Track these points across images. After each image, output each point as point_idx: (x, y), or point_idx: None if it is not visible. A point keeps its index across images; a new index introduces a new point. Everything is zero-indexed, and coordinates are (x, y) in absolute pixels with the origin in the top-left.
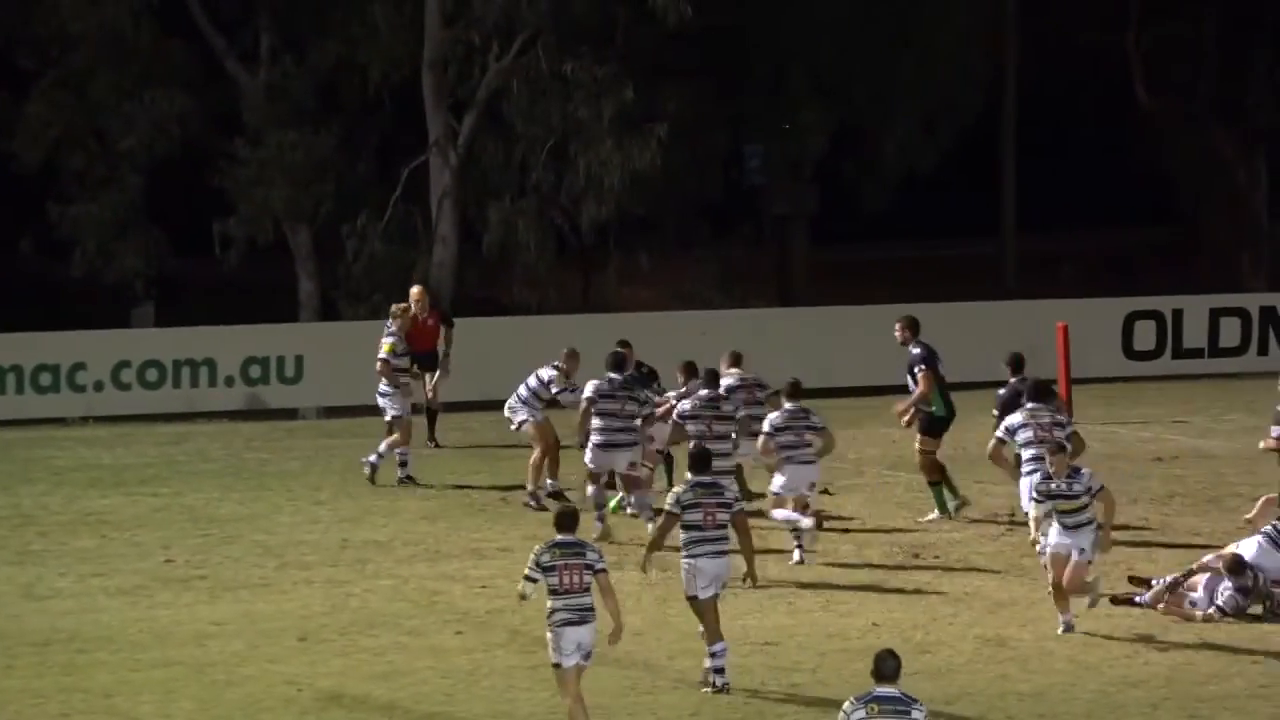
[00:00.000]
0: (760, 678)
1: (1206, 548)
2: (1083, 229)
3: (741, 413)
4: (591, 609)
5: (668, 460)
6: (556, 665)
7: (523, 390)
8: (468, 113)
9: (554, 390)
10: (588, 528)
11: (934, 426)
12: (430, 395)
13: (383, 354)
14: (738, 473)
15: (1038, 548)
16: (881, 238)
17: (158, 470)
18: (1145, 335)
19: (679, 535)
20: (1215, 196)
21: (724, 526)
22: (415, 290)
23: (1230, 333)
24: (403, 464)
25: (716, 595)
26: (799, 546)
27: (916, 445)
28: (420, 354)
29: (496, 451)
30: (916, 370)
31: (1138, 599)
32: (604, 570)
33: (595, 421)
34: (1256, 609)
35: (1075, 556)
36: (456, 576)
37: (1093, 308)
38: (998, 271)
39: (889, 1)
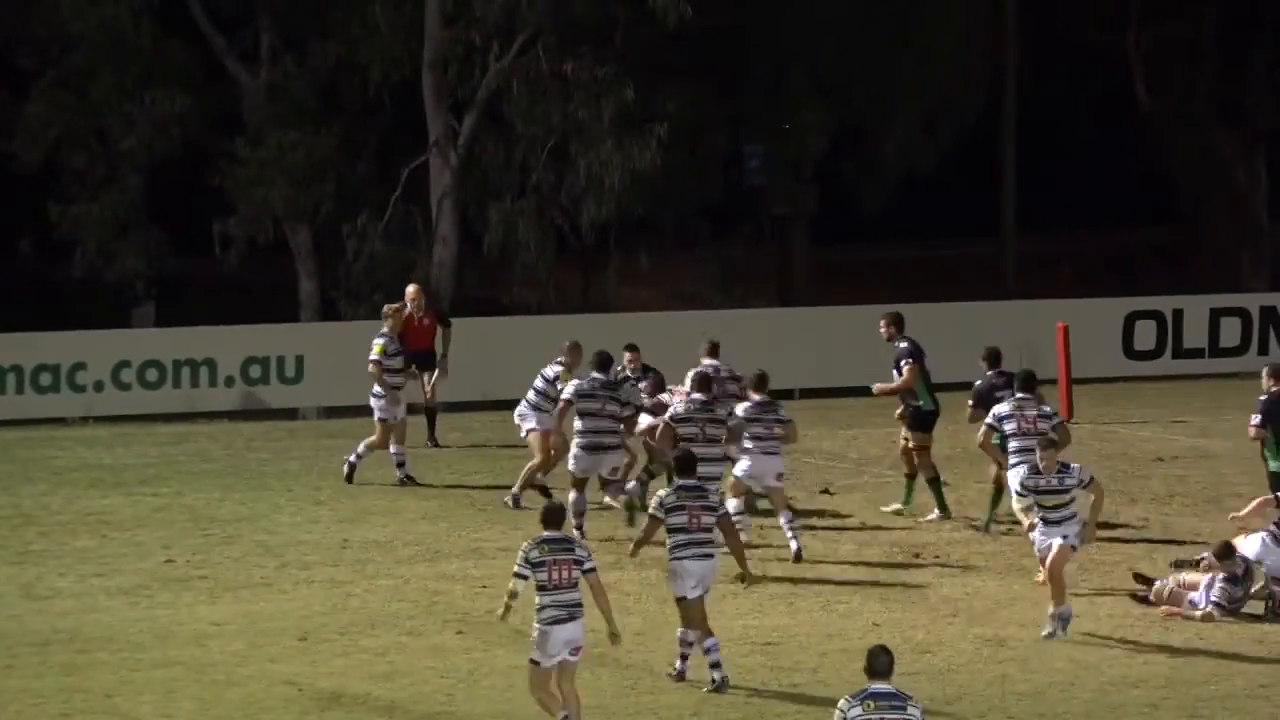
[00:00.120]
0: (760, 678)
1: (1207, 546)
2: (1083, 229)
3: (733, 421)
4: (580, 605)
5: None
6: (535, 662)
7: (531, 394)
8: (468, 113)
9: (559, 386)
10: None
11: (923, 421)
12: (429, 395)
13: (373, 355)
14: None
15: (1033, 535)
16: (881, 238)
17: (158, 470)
18: (1145, 335)
19: (665, 537)
20: (1215, 196)
21: (709, 529)
22: (411, 289)
23: (1230, 333)
24: (400, 464)
25: (703, 595)
26: (794, 539)
27: (909, 444)
28: (416, 353)
29: (496, 451)
30: (903, 364)
31: (1145, 596)
32: (593, 569)
33: (578, 423)
34: (1258, 609)
35: (1058, 541)
36: (457, 576)
37: (1093, 308)
38: (998, 271)
39: (889, 1)
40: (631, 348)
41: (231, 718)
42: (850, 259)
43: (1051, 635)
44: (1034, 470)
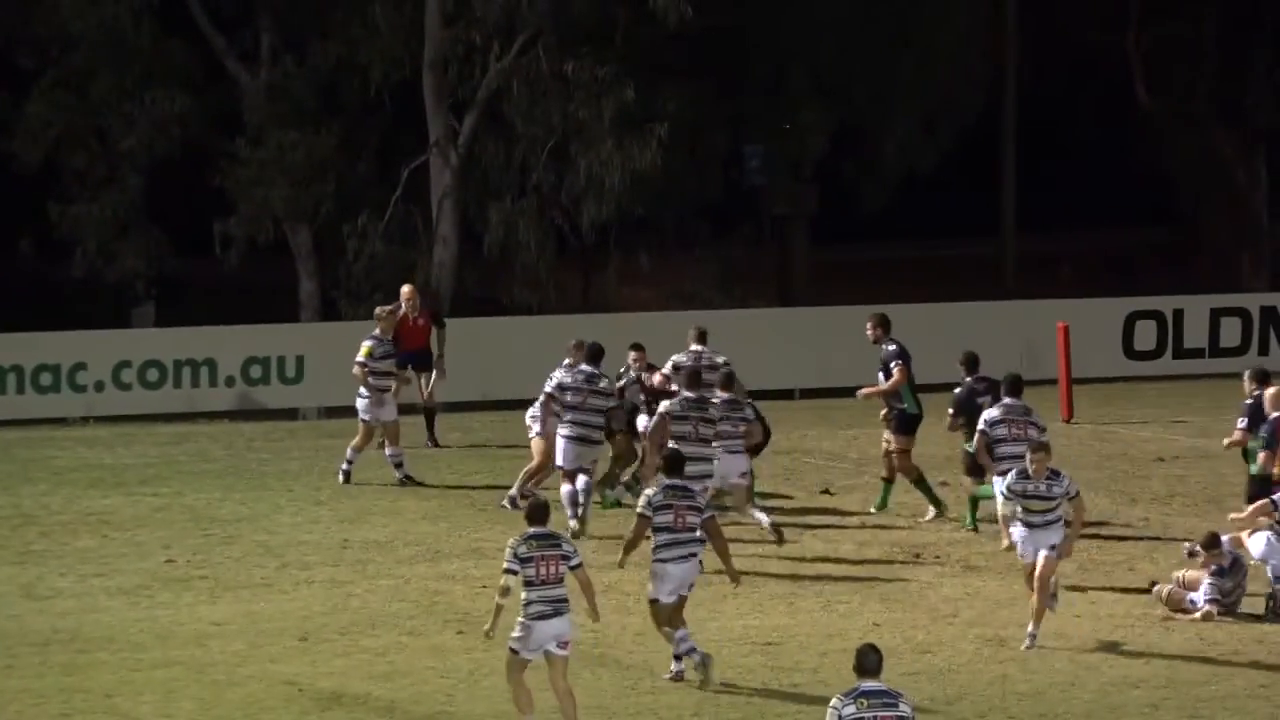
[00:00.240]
0: (760, 678)
1: None
2: (1083, 229)
3: (724, 423)
4: (566, 600)
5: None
6: (514, 650)
7: (542, 396)
8: (468, 113)
9: None
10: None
11: (907, 425)
12: (426, 396)
13: (359, 357)
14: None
15: (1015, 550)
16: (881, 238)
17: (158, 470)
18: (1146, 335)
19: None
20: (1215, 196)
21: (694, 529)
22: (406, 290)
23: (1231, 333)
24: (398, 465)
25: (684, 599)
26: (775, 531)
27: (891, 447)
28: (411, 353)
29: (496, 452)
30: (892, 366)
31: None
32: (580, 565)
33: (565, 415)
34: (1258, 609)
35: (1045, 552)
36: (457, 576)
37: (1093, 308)
38: (998, 271)
39: (889, 1)
40: (637, 347)
41: (232, 718)
42: (850, 259)
43: (1031, 646)
44: (1022, 475)
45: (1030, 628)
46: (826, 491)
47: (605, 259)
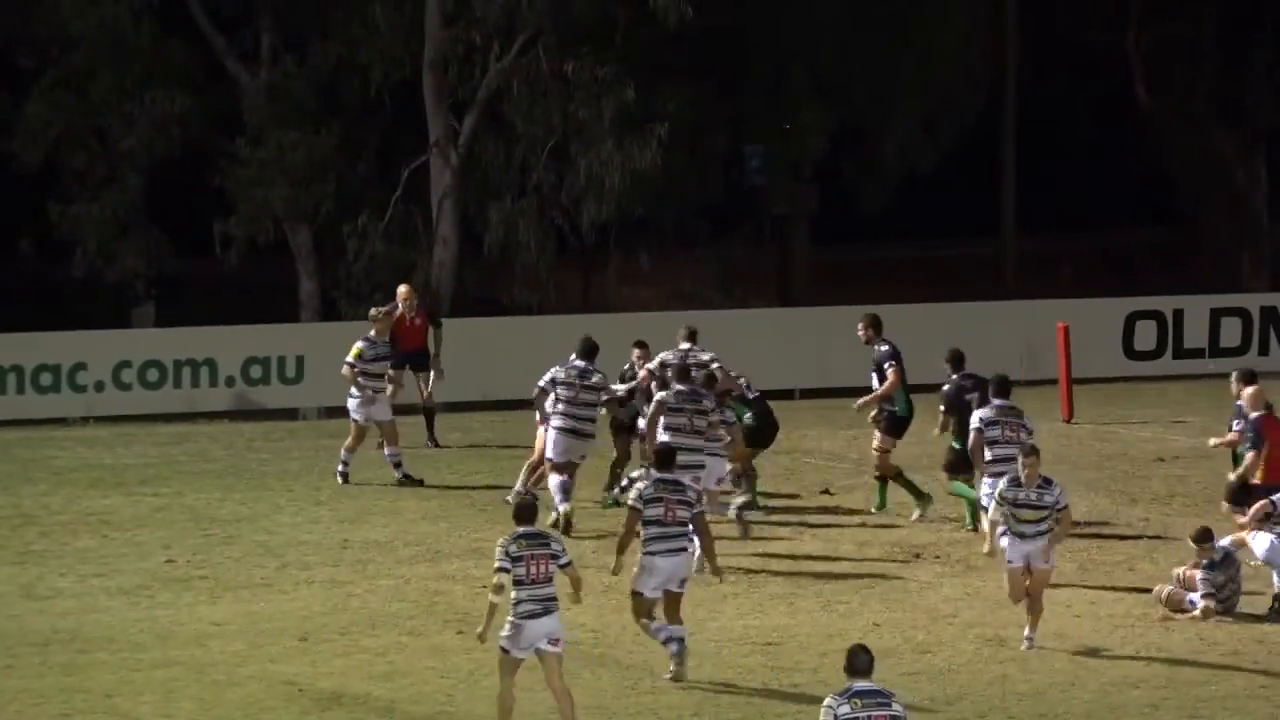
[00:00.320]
0: (760, 678)
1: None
2: (1083, 229)
3: (715, 415)
4: (554, 599)
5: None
6: (505, 650)
7: (535, 390)
8: (468, 113)
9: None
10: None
11: (897, 426)
12: (425, 396)
13: (348, 357)
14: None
15: (997, 555)
16: (881, 238)
17: (158, 470)
18: (1146, 335)
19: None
20: (1215, 196)
21: (684, 524)
22: (402, 289)
23: (1231, 333)
24: (397, 465)
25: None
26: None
27: (875, 444)
28: (409, 353)
29: (497, 452)
30: (886, 367)
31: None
32: (570, 563)
33: (557, 408)
34: (1259, 608)
35: (1041, 565)
36: (457, 577)
37: (1093, 308)
38: (998, 272)
39: (889, 1)
40: (640, 344)
41: (232, 718)
42: (850, 259)
43: (1030, 647)
44: (1014, 482)
45: (1027, 630)
46: (826, 491)
47: (605, 259)
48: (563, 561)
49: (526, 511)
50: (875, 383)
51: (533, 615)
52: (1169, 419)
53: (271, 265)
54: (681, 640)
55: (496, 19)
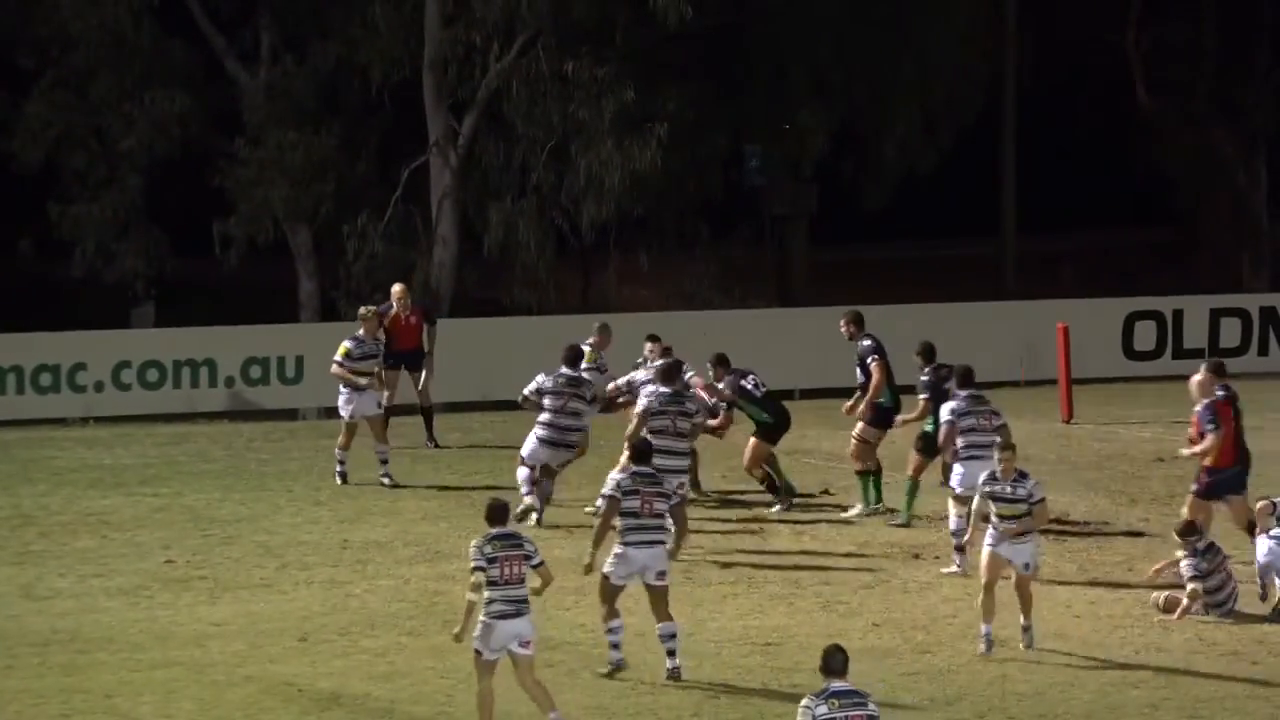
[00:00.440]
0: (760, 678)
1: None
2: (1083, 229)
3: (700, 417)
4: (526, 601)
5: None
6: (478, 652)
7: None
8: (468, 113)
9: (583, 367)
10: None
11: (882, 418)
12: (420, 395)
13: (336, 356)
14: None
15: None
16: (881, 238)
17: (158, 471)
18: (1145, 335)
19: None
20: (1215, 196)
21: (661, 516)
22: (397, 288)
23: (1230, 333)
24: (383, 461)
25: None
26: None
27: (855, 433)
28: (403, 352)
29: (496, 452)
30: (869, 361)
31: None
32: (542, 563)
33: (542, 415)
34: (1258, 609)
35: (1022, 572)
36: (457, 577)
37: (1093, 308)
38: (998, 272)
39: (889, 1)
40: (653, 338)
41: (231, 718)
42: (850, 259)
43: (990, 646)
44: (990, 476)
45: (1022, 620)
46: (826, 491)
47: (605, 259)
48: (535, 562)
49: (498, 513)
50: (859, 377)
51: (504, 616)
52: (1169, 419)
53: (271, 265)
54: (673, 636)
55: (496, 19)
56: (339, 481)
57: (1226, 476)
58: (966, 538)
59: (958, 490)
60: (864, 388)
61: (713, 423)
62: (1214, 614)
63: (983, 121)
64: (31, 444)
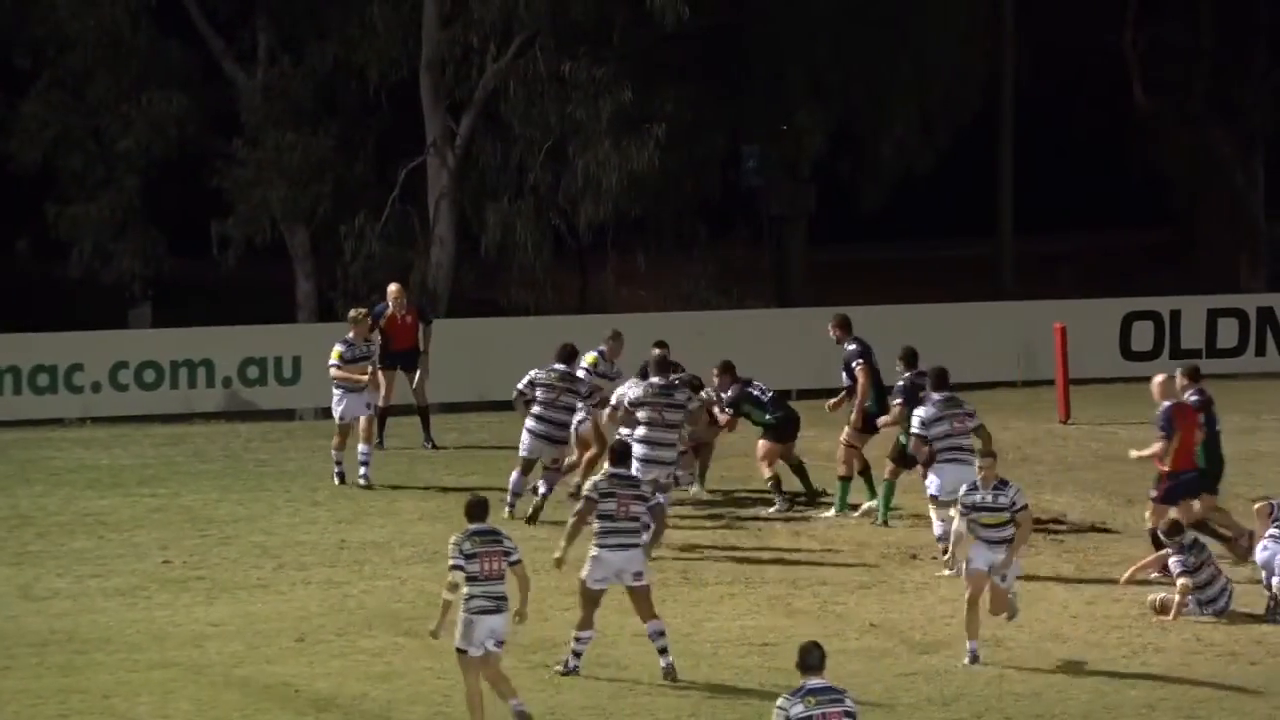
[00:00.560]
0: (759, 678)
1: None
2: (1080, 229)
3: (694, 404)
4: (505, 597)
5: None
6: (462, 651)
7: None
8: (465, 113)
9: (596, 370)
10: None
11: (867, 422)
12: (417, 396)
13: (330, 361)
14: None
15: (948, 565)
16: (879, 238)
17: (155, 471)
18: (1143, 336)
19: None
20: (1213, 197)
21: (636, 519)
22: (393, 288)
23: (1228, 333)
24: (364, 463)
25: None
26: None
27: (844, 437)
28: (400, 352)
29: (493, 452)
30: (854, 365)
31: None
32: (519, 562)
33: (534, 409)
34: (1258, 609)
35: (999, 584)
36: None
37: (1090, 308)
38: (995, 272)
39: (886, 1)
40: (661, 345)
41: (229, 718)
42: (848, 259)
43: (975, 659)
44: (971, 487)
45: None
46: (825, 492)
47: (603, 259)
48: (513, 559)
49: (478, 509)
50: (845, 381)
51: (485, 611)
52: None
53: (269, 266)
54: (662, 634)
55: (494, 20)
56: (336, 482)
57: (1183, 481)
58: (949, 556)
59: (939, 496)
60: (850, 391)
61: (722, 419)
62: (1208, 612)
63: (980, 122)
64: (29, 444)
